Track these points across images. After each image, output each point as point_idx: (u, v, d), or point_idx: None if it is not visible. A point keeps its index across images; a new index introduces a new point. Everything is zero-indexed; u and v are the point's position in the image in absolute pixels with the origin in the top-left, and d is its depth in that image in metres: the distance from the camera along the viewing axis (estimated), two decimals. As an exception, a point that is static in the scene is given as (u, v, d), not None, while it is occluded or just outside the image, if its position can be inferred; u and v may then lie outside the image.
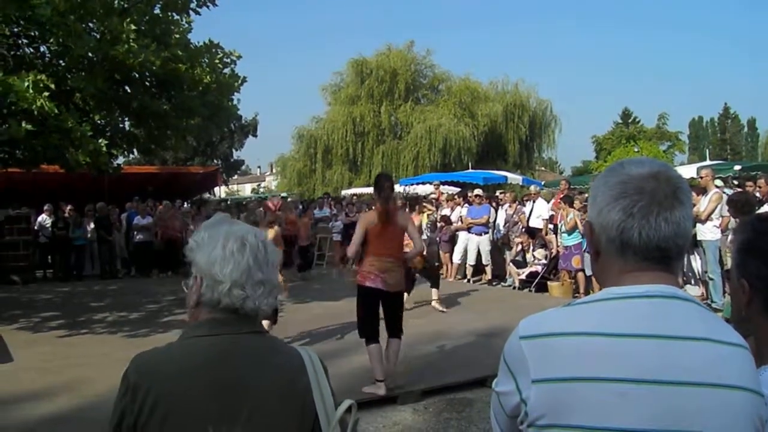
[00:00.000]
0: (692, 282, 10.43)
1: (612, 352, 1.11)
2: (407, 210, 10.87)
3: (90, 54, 9.13)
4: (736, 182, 13.38)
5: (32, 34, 9.57)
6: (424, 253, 8.20)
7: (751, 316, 1.43)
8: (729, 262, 8.91)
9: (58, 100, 8.59)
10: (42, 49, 10.04)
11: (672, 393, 1.08)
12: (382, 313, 5.92)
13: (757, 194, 9.16)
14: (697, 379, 1.10)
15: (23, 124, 8.17)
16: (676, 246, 1.19)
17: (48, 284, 15.21)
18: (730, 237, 7.97)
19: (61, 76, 9.36)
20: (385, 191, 5.88)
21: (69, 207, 16.09)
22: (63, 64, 9.81)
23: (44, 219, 15.92)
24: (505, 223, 13.47)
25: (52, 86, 8.30)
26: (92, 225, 16.11)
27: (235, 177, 52.99)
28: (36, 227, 15.95)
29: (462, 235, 13.63)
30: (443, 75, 34.96)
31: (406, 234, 6.04)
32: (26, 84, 7.90)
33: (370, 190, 22.06)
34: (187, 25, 10.70)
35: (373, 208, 6.24)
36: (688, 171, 16.51)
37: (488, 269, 13.39)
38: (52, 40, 9.18)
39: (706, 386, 1.10)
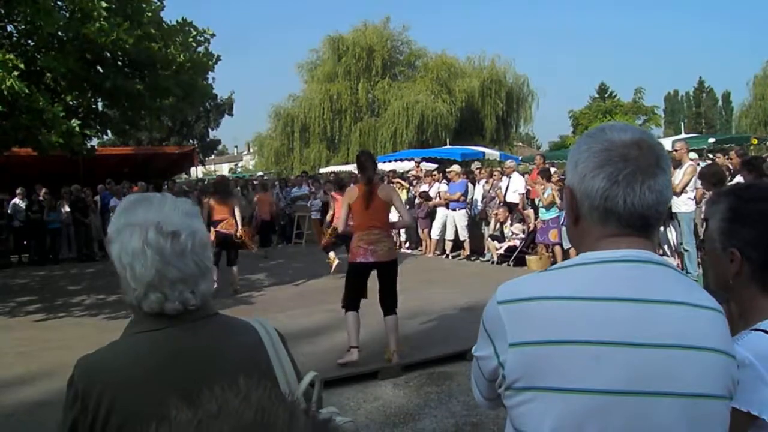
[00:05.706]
0: (668, 254, 10.58)
1: (588, 315, 1.12)
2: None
3: (60, 32, 8.93)
4: (710, 155, 13.55)
5: (-2, 12, 9.33)
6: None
7: (738, 285, 1.41)
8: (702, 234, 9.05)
9: (27, 80, 8.40)
10: (9, 28, 9.79)
11: (647, 355, 1.10)
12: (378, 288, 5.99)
13: (729, 166, 9.27)
14: (672, 342, 1.11)
15: (-8, 105, 8.02)
16: (657, 213, 1.20)
17: (24, 269, 15.04)
18: (704, 209, 8.09)
19: (31, 56, 9.16)
20: (368, 171, 5.93)
21: (44, 190, 15.85)
22: (32, 43, 9.59)
23: (18, 203, 15.68)
24: (483, 199, 13.54)
25: (22, 66, 8.13)
26: (67, 208, 15.90)
27: (212, 157, 52.43)
28: (9, 211, 15.70)
29: (440, 211, 13.68)
30: (420, 51, 34.82)
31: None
32: (-6, 64, 7.74)
33: (348, 167, 22.03)
34: (159, 3, 10.50)
35: (353, 185, 6.27)
36: (663, 144, 16.68)
37: (466, 244, 13.47)
38: (19, 18, 8.96)
39: (680, 348, 1.11)
